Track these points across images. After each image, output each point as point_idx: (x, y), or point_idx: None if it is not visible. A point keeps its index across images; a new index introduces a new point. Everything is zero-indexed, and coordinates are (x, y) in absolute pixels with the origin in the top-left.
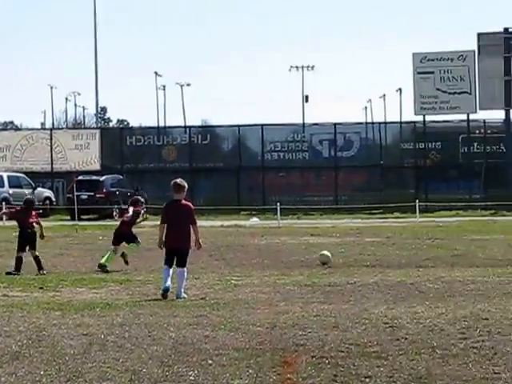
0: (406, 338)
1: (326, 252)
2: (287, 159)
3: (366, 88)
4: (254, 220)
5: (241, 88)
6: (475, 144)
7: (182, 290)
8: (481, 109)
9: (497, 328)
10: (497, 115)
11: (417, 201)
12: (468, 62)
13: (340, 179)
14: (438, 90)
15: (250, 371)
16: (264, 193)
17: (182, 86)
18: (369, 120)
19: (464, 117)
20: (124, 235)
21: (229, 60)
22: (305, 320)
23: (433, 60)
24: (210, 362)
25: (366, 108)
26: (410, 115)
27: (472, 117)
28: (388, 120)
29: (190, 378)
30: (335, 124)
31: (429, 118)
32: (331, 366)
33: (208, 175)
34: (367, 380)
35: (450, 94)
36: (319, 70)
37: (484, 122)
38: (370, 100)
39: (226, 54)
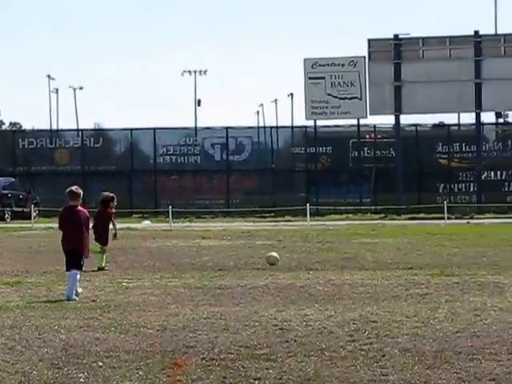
0: (295, 341)
1: (274, 253)
2: (179, 163)
3: (258, 92)
4: (146, 223)
5: (133, 92)
6: (365, 149)
7: (73, 292)
8: (371, 114)
9: (385, 331)
10: (387, 120)
11: (307, 204)
12: (358, 68)
13: (232, 183)
14: (328, 95)
15: (140, 373)
16: (156, 196)
17: (74, 90)
18: (261, 124)
19: (354, 122)
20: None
21: (122, 64)
22: (195, 322)
23: (324, 65)
24: (101, 363)
25: (257, 112)
26: (301, 120)
27: (362, 122)
28: (280, 124)
29: (81, 379)
30: (227, 128)
31: (320, 122)
32: (221, 368)
33: (100, 178)
34: (256, 382)
35: (340, 99)
36: (212, 75)
37: (374, 126)
38: (261, 104)
39: (119, 58)
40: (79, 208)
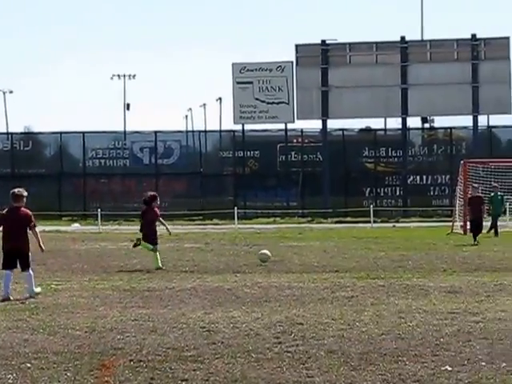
0: (223, 342)
1: (265, 251)
2: (108, 166)
3: (186, 97)
4: (75, 226)
5: (63, 96)
6: (293, 153)
7: (34, 287)
8: (298, 118)
9: (311, 333)
10: (314, 125)
11: (235, 208)
12: (286, 73)
13: (160, 186)
14: (256, 99)
15: (69, 374)
16: (85, 199)
17: (4, 93)
18: (189, 128)
19: (282, 126)
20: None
21: (52, 67)
22: (123, 324)
23: (252, 70)
24: (29, 365)
25: (186, 117)
26: (229, 124)
27: (290, 126)
28: (208, 129)
29: (9, 381)
30: (156, 132)
31: (248, 126)
32: (148, 370)
33: (30, 181)
34: (183, 383)
35: (268, 103)
36: (141, 79)
37: (301, 131)
38: (190, 109)
39: (48, 63)
40: (22, 209)
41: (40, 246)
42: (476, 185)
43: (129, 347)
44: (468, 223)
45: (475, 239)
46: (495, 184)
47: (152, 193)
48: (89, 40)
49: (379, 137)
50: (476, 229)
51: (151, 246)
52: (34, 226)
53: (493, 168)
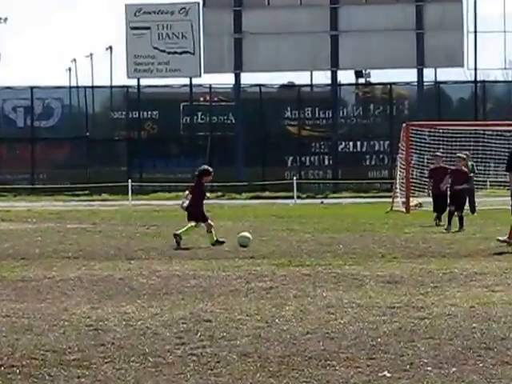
0: (113, 344)
1: (246, 233)
2: None
3: (70, 45)
4: None
5: None
6: (199, 113)
7: None
8: (206, 72)
9: (221, 332)
10: (225, 80)
11: (129, 180)
12: (191, 16)
13: (38, 154)
14: (155, 48)
15: None
16: None
17: None
18: (73, 84)
19: (186, 81)
20: None
21: None
22: None
23: (149, 13)
24: None
25: (69, 69)
26: (122, 79)
27: (196, 81)
28: (96, 84)
29: None
30: (32, 88)
31: (144, 81)
32: (22, 377)
33: None
34: None
35: (169, 53)
36: (13, 23)
37: (210, 87)
38: (74, 60)
39: None
40: None
41: None
42: (440, 153)
43: None
44: (418, 200)
45: (440, 219)
46: (466, 152)
47: (205, 167)
48: None
49: (304, 94)
50: (440, 206)
51: (193, 226)
52: None
53: (441, 132)
